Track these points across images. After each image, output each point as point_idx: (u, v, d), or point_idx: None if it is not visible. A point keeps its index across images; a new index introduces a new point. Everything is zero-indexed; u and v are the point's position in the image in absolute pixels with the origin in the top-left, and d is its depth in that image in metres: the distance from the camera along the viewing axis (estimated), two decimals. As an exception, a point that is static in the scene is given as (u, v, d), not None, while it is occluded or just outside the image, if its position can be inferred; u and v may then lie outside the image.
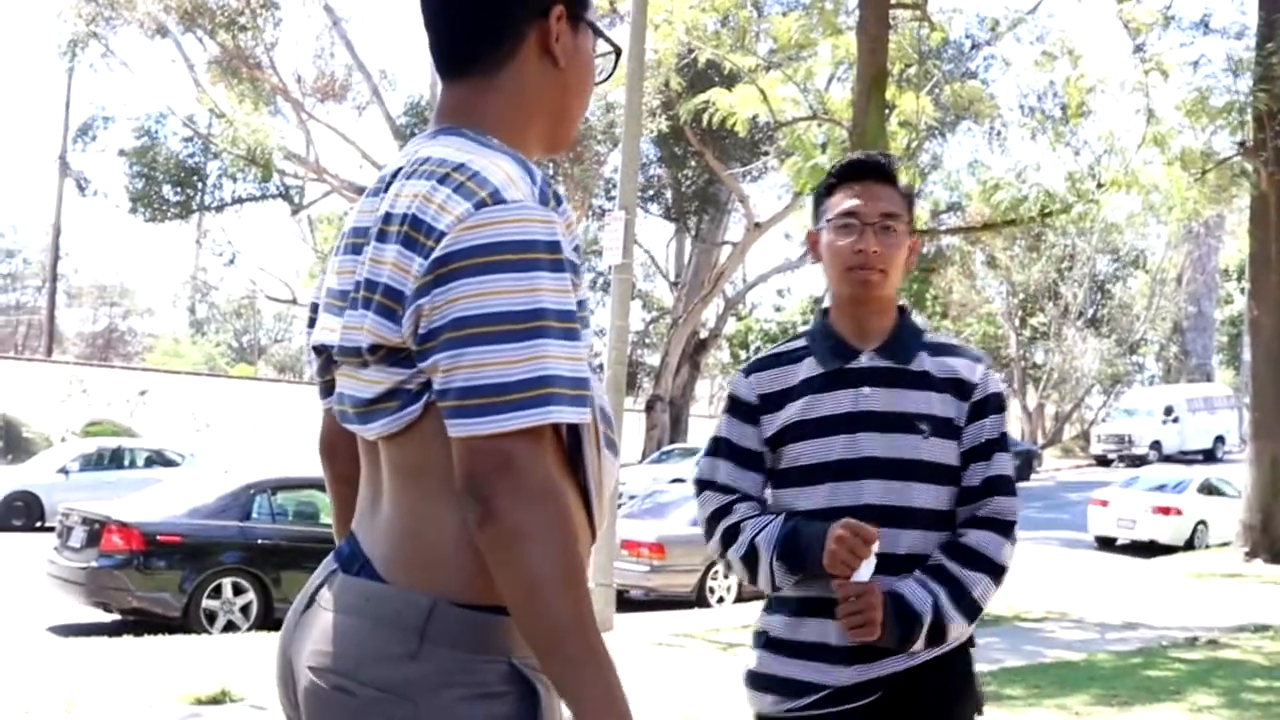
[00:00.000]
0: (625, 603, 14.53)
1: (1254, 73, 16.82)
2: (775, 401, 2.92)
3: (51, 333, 48.40)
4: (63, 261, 49.86)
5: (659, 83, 21.80)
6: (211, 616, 12.23)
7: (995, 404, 2.90)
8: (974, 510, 2.83)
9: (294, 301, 41.28)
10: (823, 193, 3.02)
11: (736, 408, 2.98)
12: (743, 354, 49.13)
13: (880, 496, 2.79)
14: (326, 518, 13.34)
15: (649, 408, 38.97)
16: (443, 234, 1.72)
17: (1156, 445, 39.83)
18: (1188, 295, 50.55)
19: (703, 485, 3.01)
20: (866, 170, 2.95)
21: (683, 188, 38.55)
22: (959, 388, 2.86)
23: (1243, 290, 34.83)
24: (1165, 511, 23.59)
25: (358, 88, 36.01)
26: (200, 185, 34.85)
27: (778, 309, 52.04)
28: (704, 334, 40.76)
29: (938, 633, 2.76)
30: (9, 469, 26.26)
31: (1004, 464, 2.87)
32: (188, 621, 12.03)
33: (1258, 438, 20.31)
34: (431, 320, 1.72)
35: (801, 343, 3.01)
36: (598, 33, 2.04)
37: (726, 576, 16.56)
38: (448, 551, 1.79)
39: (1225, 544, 22.12)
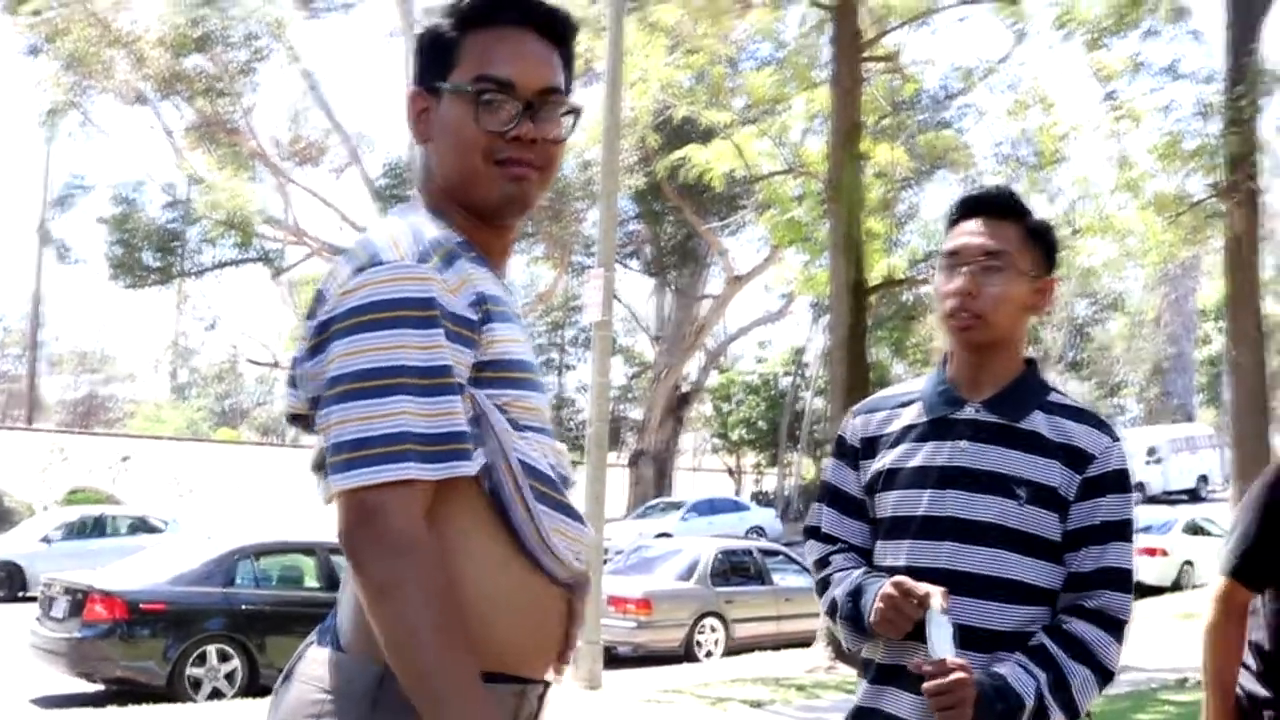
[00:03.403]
0: (613, 659, 14.46)
1: (1224, 116, 16.98)
2: (875, 447, 2.71)
3: (32, 401, 48.29)
4: (43, 329, 49.80)
5: (635, 140, 21.94)
6: (197, 684, 12.10)
7: (1117, 483, 2.56)
8: (1080, 600, 2.52)
9: (275, 365, 41.25)
10: (946, 232, 2.75)
11: (841, 451, 2.78)
12: (725, 406, 49.09)
13: (960, 561, 2.53)
14: (311, 581, 13.31)
15: (633, 463, 38.96)
16: (328, 301, 1.83)
17: (1140, 486, 39.80)
18: (1167, 336, 50.86)
19: (808, 533, 2.83)
20: (979, 206, 2.68)
21: (662, 243, 38.72)
22: (1073, 456, 2.55)
23: (1221, 330, 35.02)
24: (1151, 553, 23.58)
25: (335, 150, 36.22)
26: (180, 251, 34.91)
27: (759, 360, 51.98)
28: (686, 388, 40.82)
29: None
30: (-9, 539, 26.06)
31: (1122, 555, 2.54)
32: (173, 690, 11.91)
33: (1241, 476, 20.28)
34: (318, 383, 1.81)
35: (916, 387, 2.77)
36: (453, 90, 1.97)
37: (714, 630, 16.52)
38: None
39: (1212, 584, 22.09)
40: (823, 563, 2.74)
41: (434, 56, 2.00)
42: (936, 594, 2.42)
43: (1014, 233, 2.63)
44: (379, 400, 1.73)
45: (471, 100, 1.95)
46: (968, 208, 2.69)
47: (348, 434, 1.74)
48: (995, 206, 2.67)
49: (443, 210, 1.96)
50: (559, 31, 2.03)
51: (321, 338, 1.80)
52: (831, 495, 2.77)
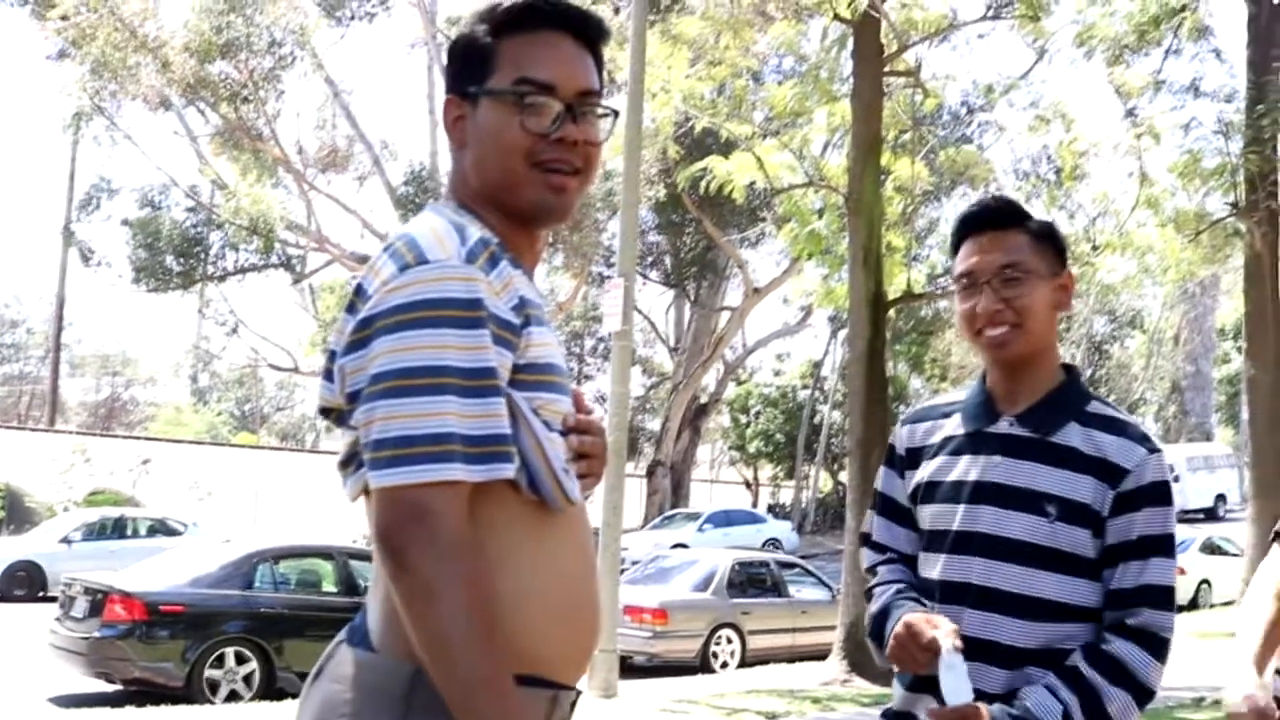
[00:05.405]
0: (629, 669, 14.48)
1: (1245, 135, 16.98)
2: (919, 457, 2.71)
3: (54, 402, 48.42)
4: (66, 331, 49.98)
5: (656, 151, 21.99)
6: (214, 686, 12.18)
7: (1153, 495, 2.49)
8: (1122, 617, 2.47)
9: (295, 370, 41.28)
10: (952, 253, 2.72)
11: (891, 459, 2.79)
12: (742, 418, 49.07)
13: (990, 578, 2.51)
14: (329, 586, 13.39)
15: (650, 473, 38.95)
16: (370, 296, 1.81)
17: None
18: (1185, 355, 50.73)
19: (862, 539, 2.84)
20: (983, 220, 2.65)
21: (681, 254, 38.73)
22: (1105, 470, 2.49)
23: (1240, 349, 34.89)
24: (1168, 571, 23.52)
25: (359, 158, 36.24)
26: (203, 256, 34.92)
27: (777, 373, 51.93)
28: (704, 399, 40.81)
29: None
30: (11, 539, 26.23)
31: (1163, 571, 2.48)
32: (190, 692, 11.99)
33: (1259, 496, 20.25)
34: (356, 380, 1.80)
35: (962, 396, 2.73)
36: (491, 94, 1.98)
37: (730, 641, 16.55)
38: None
39: (1229, 603, 22.05)
40: (870, 572, 2.76)
41: (469, 63, 2.00)
42: (945, 635, 2.40)
43: (1022, 239, 2.61)
44: (425, 399, 1.73)
45: (513, 103, 1.96)
46: (970, 225, 2.67)
47: (392, 430, 1.73)
48: (997, 218, 2.65)
49: (478, 214, 1.96)
50: (591, 35, 2.05)
51: (364, 333, 1.79)
52: (882, 503, 2.78)
